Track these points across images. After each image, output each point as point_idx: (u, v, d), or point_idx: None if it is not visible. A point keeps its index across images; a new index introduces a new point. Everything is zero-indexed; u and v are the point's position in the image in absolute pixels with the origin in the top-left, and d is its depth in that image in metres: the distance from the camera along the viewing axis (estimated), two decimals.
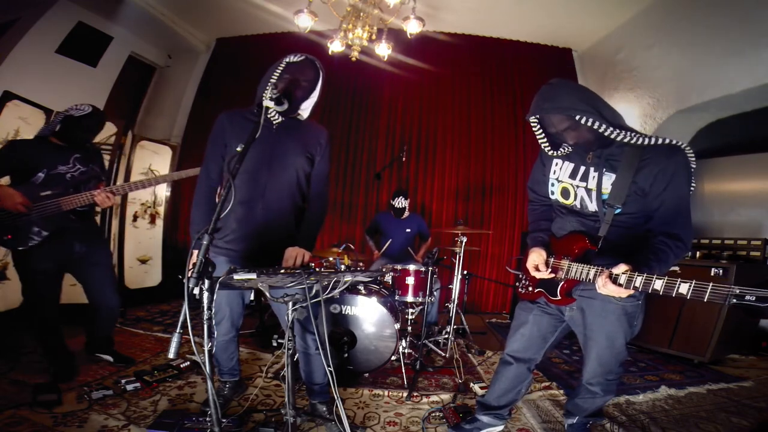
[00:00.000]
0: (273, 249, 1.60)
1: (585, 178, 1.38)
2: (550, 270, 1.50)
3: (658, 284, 1.06)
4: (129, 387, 1.98)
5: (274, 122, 1.62)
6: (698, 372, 2.74)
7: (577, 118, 1.22)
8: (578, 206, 1.42)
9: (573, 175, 1.42)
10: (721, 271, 2.85)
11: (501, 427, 1.77)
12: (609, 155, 1.33)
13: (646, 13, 3.89)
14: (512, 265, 1.83)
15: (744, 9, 2.98)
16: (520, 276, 1.72)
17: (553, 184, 1.50)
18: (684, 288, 0.99)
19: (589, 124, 1.22)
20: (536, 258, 1.51)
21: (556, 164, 1.49)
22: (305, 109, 1.69)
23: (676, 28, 3.59)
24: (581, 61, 4.92)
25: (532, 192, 1.69)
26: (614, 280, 1.17)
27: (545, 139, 1.39)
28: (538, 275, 1.52)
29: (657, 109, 3.83)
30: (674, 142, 1.26)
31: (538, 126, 1.37)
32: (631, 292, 1.16)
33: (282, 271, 1.23)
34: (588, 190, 1.37)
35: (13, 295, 2.93)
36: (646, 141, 1.25)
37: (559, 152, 1.42)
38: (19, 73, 3.24)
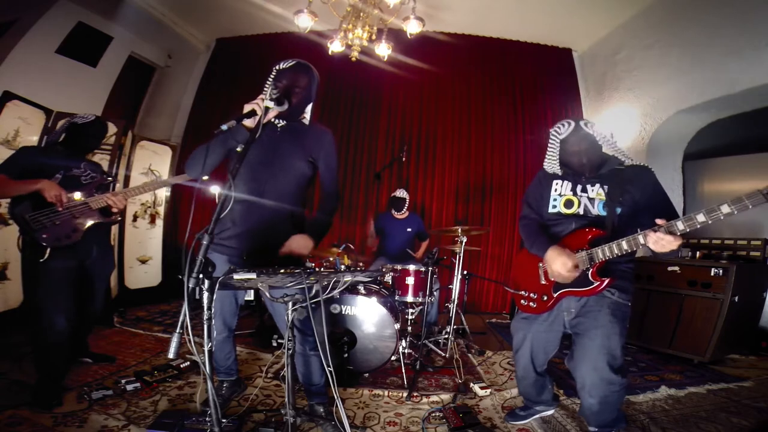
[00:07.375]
0: (268, 250, 1.57)
1: (584, 190, 1.63)
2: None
3: (701, 218, 1.22)
4: (129, 387, 1.98)
5: (278, 126, 1.62)
6: (698, 372, 2.74)
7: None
8: (581, 212, 1.62)
9: (573, 190, 1.65)
10: (721, 271, 2.84)
11: (552, 411, 1.98)
12: (598, 175, 1.63)
13: (646, 12, 3.89)
14: (510, 285, 1.90)
15: (744, 9, 2.99)
16: (523, 292, 1.77)
17: (555, 199, 1.68)
18: (726, 209, 1.18)
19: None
20: (567, 260, 1.52)
21: (557, 183, 1.70)
22: (307, 112, 1.69)
23: (675, 28, 3.59)
24: (581, 61, 4.92)
25: (528, 207, 1.79)
26: (669, 231, 1.29)
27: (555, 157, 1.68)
28: (573, 275, 1.52)
29: (657, 109, 3.82)
30: (641, 163, 1.62)
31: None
32: (680, 242, 1.28)
33: (282, 271, 1.23)
34: (590, 199, 1.61)
35: (13, 295, 2.93)
36: (624, 162, 1.61)
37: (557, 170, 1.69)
38: (19, 73, 3.23)
